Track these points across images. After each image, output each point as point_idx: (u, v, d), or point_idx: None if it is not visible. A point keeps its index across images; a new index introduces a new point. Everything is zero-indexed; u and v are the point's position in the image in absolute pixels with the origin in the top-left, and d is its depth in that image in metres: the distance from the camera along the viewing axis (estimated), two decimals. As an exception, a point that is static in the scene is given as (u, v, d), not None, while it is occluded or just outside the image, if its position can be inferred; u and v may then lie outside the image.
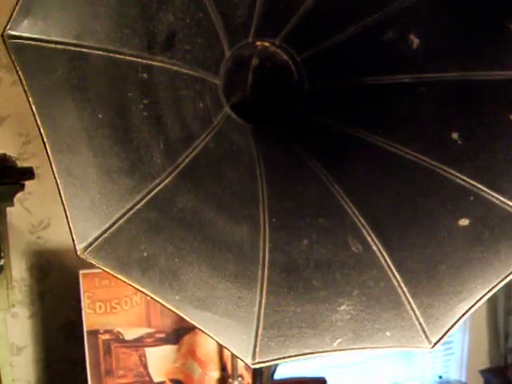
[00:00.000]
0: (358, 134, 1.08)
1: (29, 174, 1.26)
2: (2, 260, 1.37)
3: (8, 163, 1.34)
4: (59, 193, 0.70)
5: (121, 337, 1.51)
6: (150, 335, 1.49)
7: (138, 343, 1.52)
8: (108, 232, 0.74)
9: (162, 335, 1.51)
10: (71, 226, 0.70)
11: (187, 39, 0.93)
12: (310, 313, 0.86)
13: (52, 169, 0.69)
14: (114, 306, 1.45)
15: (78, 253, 0.70)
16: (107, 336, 1.50)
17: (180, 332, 1.51)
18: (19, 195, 1.40)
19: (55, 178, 0.69)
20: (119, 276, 0.72)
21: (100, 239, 0.73)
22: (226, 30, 1.04)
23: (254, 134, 1.11)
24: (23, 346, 1.68)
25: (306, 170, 1.06)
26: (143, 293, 0.74)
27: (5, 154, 1.33)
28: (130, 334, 1.50)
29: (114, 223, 0.75)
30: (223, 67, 1.09)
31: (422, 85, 1.02)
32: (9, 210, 1.35)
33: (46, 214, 1.60)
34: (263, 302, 0.84)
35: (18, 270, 1.64)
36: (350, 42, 1.09)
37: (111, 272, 0.72)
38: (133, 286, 0.73)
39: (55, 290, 1.65)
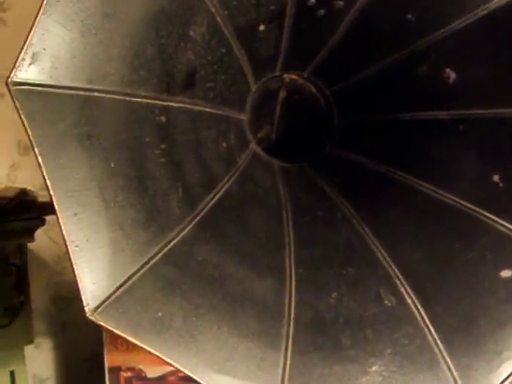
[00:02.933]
0: (391, 173, 1.02)
1: (50, 208, 1.22)
2: (22, 296, 1.35)
3: (28, 197, 1.31)
4: (66, 248, 0.64)
5: (143, 374, 1.45)
6: (172, 373, 1.44)
7: (161, 381, 1.46)
8: (120, 290, 0.69)
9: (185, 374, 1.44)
10: (80, 285, 0.64)
11: (209, 77, 0.89)
12: (339, 374, 0.80)
13: (58, 223, 0.63)
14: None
15: (87, 314, 0.65)
16: (129, 373, 1.45)
17: (204, 371, 1.44)
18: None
19: (62, 233, 0.63)
20: (131, 338, 0.67)
21: (111, 298, 0.68)
22: (252, 65, 1.00)
23: (281, 172, 1.05)
24: (46, 378, 1.66)
25: (336, 211, 1.00)
26: (156, 356, 0.67)
27: (25, 189, 1.30)
28: (152, 372, 1.45)
29: (127, 280, 0.70)
30: (249, 102, 1.04)
31: (460, 122, 0.96)
32: (35, 238, 1.33)
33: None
34: (288, 362, 0.78)
35: (42, 300, 1.62)
36: (383, 76, 1.03)
37: (122, 334, 0.66)
38: (146, 350, 0.67)
39: (79, 321, 1.60)
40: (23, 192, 1.30)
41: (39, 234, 1.41)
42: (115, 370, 1.45)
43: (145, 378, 1.46)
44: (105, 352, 1.43)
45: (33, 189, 1.39)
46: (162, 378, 1.53)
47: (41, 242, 1.50)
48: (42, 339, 1.65)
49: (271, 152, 1.09)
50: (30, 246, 1.42)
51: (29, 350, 1.45)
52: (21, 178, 1.55)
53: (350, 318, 0.86)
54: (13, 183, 1.56)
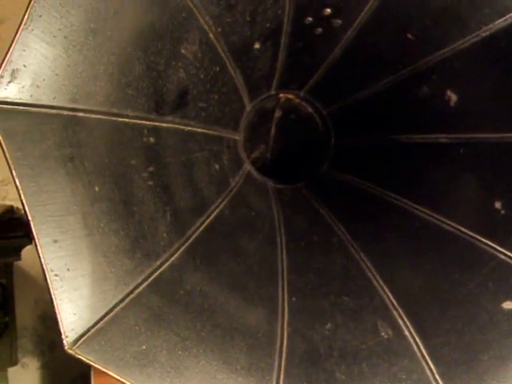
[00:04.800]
0: (389, 197, 0.99)
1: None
2: (7, 317, 1.33)
3: (16, 215, 1.28)
4: (44, 277, 0.60)
5: None
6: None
7: None
8: (102, 321, 0.65)
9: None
10: (59, 316, 0.60)
11: (202, 96, 0.85)
12: (333, 412, 0.74)
13: (37, 250, 0.59)
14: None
15: (66, 347, 0.60)
16: None
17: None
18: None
19: (40, 261, 0.59)
20: (113, 373, 0.63)
21: (92, 330, 0.64)
22: (246, 83, 0.97)
23: (275, 195, 1.02)
24: None
25: (331, 236, 0.97)
26: (140, 393, 0.63)
27: (12, 206, 1.27)
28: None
29: (110, 311, 0.66)
30: (244, 121, 1.01)
31: (461, 146, 0.93)
32: (22, 255, 1.31)
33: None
34: (279, 398, 0.72)
35: (30, 318, 1.58)
36: (381, 96, 1.01)
37: (104, 369, 0.62)
38: (128, 385, 0.63)
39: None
40: (10, 210, 1.26)
41: (28, 251, 1.37)
42: None
43: (133, 402, 1.41)
44: (92, 374, 1.40)
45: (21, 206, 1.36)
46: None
47: (29, 259, 1.45)
48: (29, 358, 1.61)
49: (266, 173, 1.06)
50: (19, 263, 1.40)
51: (15, 369, 1.42)
52: (12, 193, 1.52)
53: (346, 351, 0.82)
54: (3, 199, 1.54)
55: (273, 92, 1.06)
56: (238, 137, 1.01)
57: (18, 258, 1.32)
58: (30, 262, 1.51)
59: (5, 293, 1.32)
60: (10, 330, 1.33)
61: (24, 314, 1.52)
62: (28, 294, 1.54)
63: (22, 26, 0.59)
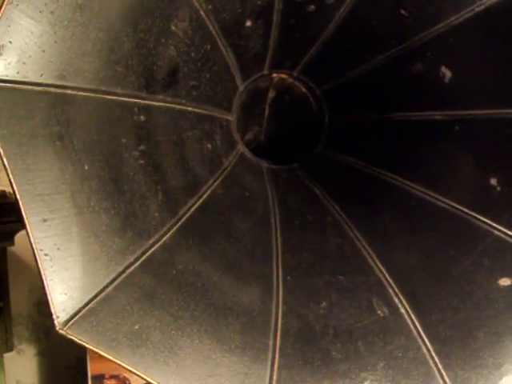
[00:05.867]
0: (383, 176, 0.98)
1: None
2: (1, 302, 1.32)
3: (8, 200, 1.27)
4: (34, 256, 0.59)
5: (127, 382, 1.42)
6: (158, 382, 1.39)
7: None
8: (94, 302, 0.64)
9: None
10: (49, 296, 0.59)
11: (193, 74, 0.84)
12: (329, 390, 0.73)
13: (26, 230, 0.58)
14: (121, 351, 1.36)
15: (57, 328, 0.59)
16: (113, 381, 1.42)
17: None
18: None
19: (30, 240, 0.58)
20: (105, 354, 0.62)
21: (84, 310, 0.63)
22: (238, 63, 0.95)
23: (270, 175, 1.01)
24: None
25: (326, 215, 0.96)
26: (133, 372, 0.62)
27: (4, 191, 1.26)
28: (137, 380, 1.39)
29: (101, 291, 0.65)
30: (236, 101, 1.00)
31: (456, 123, 0.92)
32: (16, 242, 1.30)
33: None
34: (274, 377, 0.74)
35: (26, 305, 1.58)
36: (375, 74, 1.00)
37: (96, 349, 0.61)
38: (121, 366, 0.62)
39: (63, 327, 1.55)
40: (3, 195, 1.25)
41: (21, 236, 1.36)
42: (99, 378, 1.42)
43: (129, 387, 1.40)
44: (88, 359, 1.39)
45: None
46: (147, 386, 1.48)
47: (23, 245, 1.44)
48: (25, 345, 1.61)
49: (259, 153, 1.05)
50: (13, 249, 1.39)
51: (12, 356, 1.42)
52: (5, 179, 1.50)
53: (341, 330, 0.81)
54: (-3, 185, 1.52)
55: (266, 72, 1.04)
56: (231, 117, 1.00)
57: (12, 243, 1.31)
58: (23, 248, 1.50)
59: (-1, 279, 1.30)
60: (5, 315, 1.32)
61: (19, 301, 1.52)
62: (23, 280, 1.52)
63: (6, 1, 0.57)
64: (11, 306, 1.36)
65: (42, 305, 1.58)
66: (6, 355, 1.34)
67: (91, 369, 1.41)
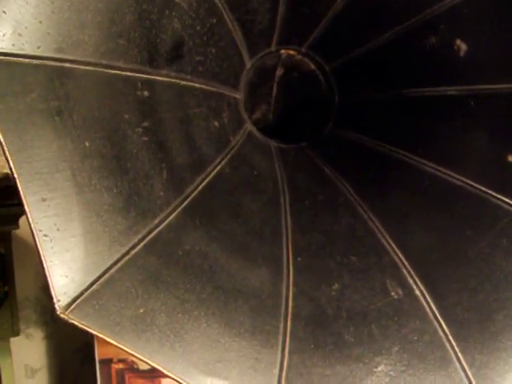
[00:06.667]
0: (396, 153, 0.96)
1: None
2: (6, 286, 1.31)
3: (12, 183, 1.25)
4: (33, 237, 0.56)
5: (135, 366, 1.44)
6: (166, 366, 1.38)
7: (153, 374, 1.43)
8: (96, 284, 0.62)
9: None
10: (49, 279, 0.57)
11: (199, 49, 0.81)
12: (341, 375, 0.74)
13: (24, 209, 0.56)
14: (128, 335, 1.36)
15: (58, 312, 0.57)
16: (121, 365, 1.44)
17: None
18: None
19: (28, 220, 0.56)
20: (109, 339, 0.59)
21: (86, 293, 0.61)
22: (245, 38, 0.93)
23: (278, 154, 0.98)
24: (38, 369, 1.63)
25: (337, 195, 0.93)
26: (138, 358, 0.60)
27: (8, 174, 1.24)
28: (144, 364, 1.39)
29: (104, 273, 0.63)
30: (244, 79, 0.97)
31: (471, 98, 0.89)
32: (22, 226, 1.29)
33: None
34: (285, 363, 0.72)
35: (32, 289, 1.58)
36: (386, 49, 0.97)
37: (99, 334, 0.59)
38: (126, 351, 0.59)
39: (71, 310, 1.55)
40: (6, 177, 1.23)
41: (26, 220, 1.35)
42: (106, 362, 1.43)
43: (136, 370, 1.44)
44: (95, 344, 1.40)
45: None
46: (154, 370, 1.47)
47: (28, 229, 1.44)
48: (33, 329, 1.62)
49: (268, 132, 1.03)
50: (18, 232, 1.38)
51: (20, 340, 1.43)
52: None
53: (354, 312, 0.79)
54: (1, 168, 1.51)
55: (273, 48, 1.02)
56: (239, 95, 0.97)
57: (16, 226, 1.30)
58: (29, 231, 1.49)
59: (4, 262, 1.30)
60: (11, 299, 1.32)
61: (26, 285, 1.51)
62: (29, 263, 1.51)
63: (-1, -31, 0.54)
64: (17, 290, 1.35)
65: (48, 288, 1.57)
66: (13, 339, 1.34)
67: (99, 353, 1.41)
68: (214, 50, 0.87)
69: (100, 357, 1.41)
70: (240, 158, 0.90)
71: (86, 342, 1.58)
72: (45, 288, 1.49)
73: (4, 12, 0.57)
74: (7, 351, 1.34)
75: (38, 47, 0.60)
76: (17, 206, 1.23)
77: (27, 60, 0.59)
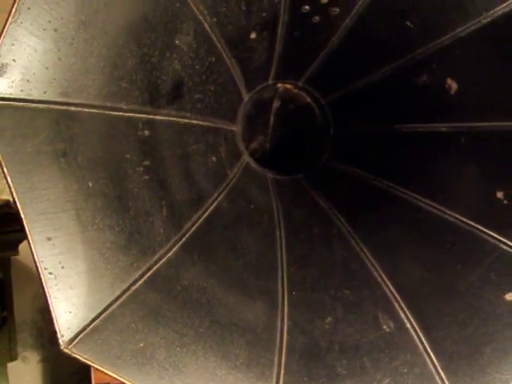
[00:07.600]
0: (389, 187, 0.98)
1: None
2: (5, 312, 1.31)
3: (12, 210, 1.27)
4: (38, 275, 0.58)
5: None
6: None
7: None
8: (99, 319, 0.63)
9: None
10: (53, 314, 0.59)
11: (198, 87, 0.84)
12: (335, 407, 0.73)
13: (30, 248, 0.58)
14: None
15: (62, 347, 0.59)
16: None
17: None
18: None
19: (34, 259, 0.58)
20: (110, 372, 0.61)
21: (89, 328, 0.63)
22: (243, 74, 0.95)
23: (275, 186, 1.00)
24: None
25: (331, 228, 0.95)
26: (138, 391, 0.62)
27: (8, 201, 1.26)
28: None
29: (106, 309, 0.65)
30: (241, 112, 0.99)
31: (462, 135, 0.91)
32: (20, 250, 1.30)
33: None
34: (280, 394, 0.71)
35: (30, 312, 1.58)
36: (380, 85, 0.99)
37: (101, 368, 0.61)
38: (126, 384, 0.61)
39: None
40: (6, 205, 1.24)
41: (25, 245, 1.36)
42: None
43: (134, 396, 1.40)
44: (92, 368, 1.38)
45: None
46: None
47: (27, 254, 1.44)
48: (30, 352, 1.62)
49: (264, 164, 1.04)
50: (17, 258, 1.38)
51: (16, 363, 1.42)
52: (9, 188, 1.51)
53: (346, 345, 0.80)
54: (1, 193, 1.53)
55: (270, 82, 1.04)
56: (236, 128, 0.99)
57: (16, 252, 1.31)
58: (27, 257, 1.50)
59: (3, 287, 1.31)
60: (9, 324, 1.32)
61: (23, 308, 1.52)
62: (26, 287, 1.53)
63: (10, 19, 0.57)
64: (15, 314, 1.36)
65: (46, 311, 1.56)
66: (11, 363, 1.35)
67: (95, 377, 1.40)
68: (212, 87, 0.89)
69: (96, 381, 1.41)
70: (237, 192, 0.92)
71: (82, 365, 1.57)
72: (42, 311, 1.50)
73: (14, 60, 0.59)
74: (4, 376, 1.33)
75: (45, 92, 0.62)
76: (16, 233, 1.24)
77: (34, 105, 0.62)
